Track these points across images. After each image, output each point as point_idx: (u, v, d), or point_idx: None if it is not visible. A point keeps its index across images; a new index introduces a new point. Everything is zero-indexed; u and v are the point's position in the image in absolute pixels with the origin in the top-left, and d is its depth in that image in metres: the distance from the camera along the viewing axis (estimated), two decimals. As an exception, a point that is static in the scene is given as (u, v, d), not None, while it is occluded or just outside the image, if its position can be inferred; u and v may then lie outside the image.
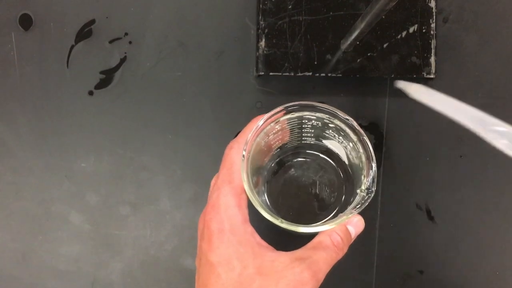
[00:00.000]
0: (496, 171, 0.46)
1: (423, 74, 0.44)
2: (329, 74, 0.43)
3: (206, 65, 0.45)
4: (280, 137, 0.36)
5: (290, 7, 0.43)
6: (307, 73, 0.43)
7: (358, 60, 0.44)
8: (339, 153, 0.38)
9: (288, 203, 0.40)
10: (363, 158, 0.32)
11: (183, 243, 0.45)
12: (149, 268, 0.45)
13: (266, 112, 0.33)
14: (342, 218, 0.31)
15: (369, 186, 0.31)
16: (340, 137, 0.35)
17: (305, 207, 0.40)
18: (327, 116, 0.33)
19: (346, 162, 0.37)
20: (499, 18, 0.46)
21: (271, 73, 0.43)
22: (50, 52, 0.45)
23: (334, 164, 0.40)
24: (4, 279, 0.44)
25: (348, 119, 0.32)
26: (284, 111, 0.33)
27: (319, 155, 0.40)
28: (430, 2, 0.44)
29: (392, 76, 0.44)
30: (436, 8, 0.44)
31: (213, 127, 0.45)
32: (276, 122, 0.34)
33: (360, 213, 0.32)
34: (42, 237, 0.45)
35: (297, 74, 0.43)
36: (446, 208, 0.45)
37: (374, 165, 0.31)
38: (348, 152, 0.36)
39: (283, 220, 0.31)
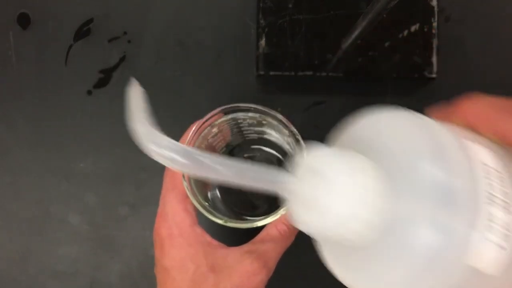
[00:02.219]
0: (498, 171, 0.46)
1: (425, 74, 0.44)
2: (330, 74, 0.43)
3: (206, 64, 0.45)
4: (221, 138, 0.37)
5: (290, 5, 0.43)
6: (307, 73, 0.43)
7: (359, 60, 0.43)
8: (282, 145, 0.39)
9: (239, 196, 0.41)
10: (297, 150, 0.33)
11: (182, 244, 0.45)
12: (148, 269, 0.45)
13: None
14: (283, 209, 0.31)
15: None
16: (277, 132, 0.36)
17: (255, 199, 0.41)
18: (258, 114, 0.34)
19: (291, 152, 0.38)
20: (501, 17, 0.46)
21: (271, 73, 0.43)
22: (48, 51, 0.45)
23: (279, 156, 0.41)
24: (2, 279, 0.44)
25: (276, 115, 0.32)
26: (216, 116, 0.33)
27: (262, 148, 0.41)
28: (432, 1, 0.44)
29: (394, 75, 0.44)
30: (438, 7, 0.44)
31: (213, 127, 0.45)
32: (212, 126, 0.34)
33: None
34: (41, 237, 0.44)
35: (298, 74, 0.43)
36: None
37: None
38: (289, 145, 0.37)
39: (227, 220, 0.31)
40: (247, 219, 0.32)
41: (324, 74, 0.43)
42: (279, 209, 0.31)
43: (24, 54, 0.44)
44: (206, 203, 0.32)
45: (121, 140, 0.45)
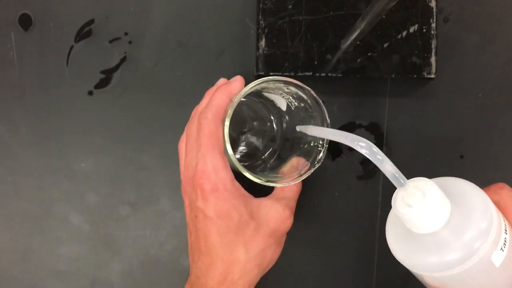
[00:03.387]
0: (496, 171, 0.46)
1: (424, 74, 0.44)
2: (329, 74, 0.43)
3: (206, 65, 0.45)
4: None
5: (290, 6, 0.43)
6: (307, 73, 0.43)
7: (359, 60, 0.43)
8: (275, 101, 0.41)
9: (240, 146, 0.44)
10: (317, 117, 0.37)
11: (183, 243, 0.45)
12: (148, 268, 0.45)
13: None
14: (308, 172, 0.36)
15: (323, 141, 0.37)
16: (289, 96, 0.39)
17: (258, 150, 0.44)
18: (284, 84, 0.36)
19: (284, 109, 0.41)
20: (499, 17, 0.46)
21: (271, 73, 0.43)
22: (50, 52, 0.45)
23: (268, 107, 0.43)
24: (3, 279, 0.44)
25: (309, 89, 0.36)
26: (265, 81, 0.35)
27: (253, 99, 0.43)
28: (431, 2, 0.44)
29: (393, 76, 0.44)
30: (436, 8, 0.44)
31: (213, 127, 0.45)
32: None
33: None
34: (42, 237, 0.45)
35: (297, 74, 0.43)
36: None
37: (328, 121, 0.36)
38: (290, 104, 0.40)
39: (268, 180, 0.35)
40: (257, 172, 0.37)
41: (323, 74, 0.43)
42: (306, 173, 0.36)
43: (26, 55, 0.45)
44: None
45: (122, 140, 0.45)
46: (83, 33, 0.45)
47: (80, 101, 0.45)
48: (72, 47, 0.45)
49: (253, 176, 0.35)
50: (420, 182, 0.28)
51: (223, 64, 0.45)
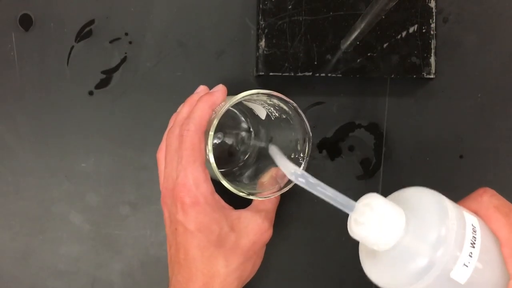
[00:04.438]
0: (496, 171, 0.46)
1: (423, 74, 0.44)
2: (329, 74, 0.43)
3: (206, 65, 0.45)
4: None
5: (290, 7, 0.43)
6: (307, 73, 0.43)
7: (358, 60, 0.44)
8: (254, 109, 0.42)
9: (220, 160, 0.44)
10: (298, 129, 0.37)
11: (183, 243, 0.45)
12: (149, 268, 0.45)
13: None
14: (283, 183, 0.37)
15: (303, 153, 0.37)
16: (270, 107, 0.39)
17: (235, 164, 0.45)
18: (267, 97, 0.36)
19: (263, 118, 0.42)
20: (498, 18, 0.46)
21: (271, 73, 0.43)
22: (50, 52, 0.45)
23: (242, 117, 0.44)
24: (4, 279, 0.44)
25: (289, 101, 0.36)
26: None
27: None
28: (430, 2, 0.44)
29: (392, 76, 0.44)
30: (436, 8, 0.44)
31: (213, 127, 0.45)
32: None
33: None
34: (42, 237, 0.45)
35: (297, 74, 0.43)
36: (446, 208, 0.45)
37: (309, 133, 0.36)
38: (271, 114, 0.40)
39: (250, 192, 0.36)
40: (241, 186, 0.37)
41: (323, 74, 0.44)
42: (286, 187, 0.36)
43: (26, 55, 0.45)
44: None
45: (122, 140, 0.45)
46: (84, 34, 0.45)
47: (80, 101, 0.45)
48: (72, 47, 0.45)
49: (236, 189, 0.35)
50: (367, 199, 0.27)
51: (223, 64, 0.45)
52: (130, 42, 0.45)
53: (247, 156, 0.44)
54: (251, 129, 0.44)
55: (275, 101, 0.36)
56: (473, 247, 0.26)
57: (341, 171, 0.45)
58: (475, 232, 0.27)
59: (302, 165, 0.37)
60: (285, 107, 0.37)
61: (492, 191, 0.30)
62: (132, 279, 0.45)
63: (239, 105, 0.42)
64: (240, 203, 0.38)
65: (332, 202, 0.28)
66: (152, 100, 0.45)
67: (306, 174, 0.28)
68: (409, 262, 0.26)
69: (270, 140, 0.42)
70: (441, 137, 0.46)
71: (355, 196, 0.45)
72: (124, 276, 0.45)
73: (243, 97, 0.35)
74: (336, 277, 0.46)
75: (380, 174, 0.45)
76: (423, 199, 0.28)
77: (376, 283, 0.28)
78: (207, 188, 0.35)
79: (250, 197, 0.35)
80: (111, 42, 0.45)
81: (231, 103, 0.35)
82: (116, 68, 0.45)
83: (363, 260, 0.29)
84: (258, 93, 0.35)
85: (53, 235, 0.45)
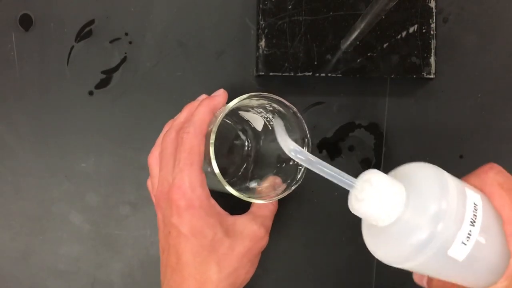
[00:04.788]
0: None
1: (423, 74, 0.44)
2: (329, 74, 0.44)
3: (206, 65, 0.45)
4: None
5: (290, 7, 0.43)
6: (307, 73, 0.43)
7: (358, 60, 0.44)
8: (251, 120, 0.42)
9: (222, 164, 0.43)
10: (298, 136, 0.37)
11: (183, 243, 0.45)
12: (149, 268, 0.45)
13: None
14: (279, 190, 0.37)
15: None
16: (269, 114, 0.39)
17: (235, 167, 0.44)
18: (268, 101, 0.36)
19: (259, 129, 0.42)
20: (498, 18, 0.46)
21: (271, 73, 0.43)
22: (50, 52, 0.45)
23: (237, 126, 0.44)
24: (4, 279, 0.45)
25: (290, 107, 0.36)
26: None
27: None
28: (430, 2, 0.44)
29: (392, 76, 0.44)
30: (436, 8, 0.44)
31: (213, 127, 0.45)
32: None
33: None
34: (42, 237, 0.45)
35: (297, 74, 0.43)
36: (446, 208, 0.45)
37: (308, 140, 0.36)
38: (268, 123, 0.40)
39: (250, 196, 0.35)
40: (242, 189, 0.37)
41: (323, 74, 0.44)
42: (284, 192, 0.36)
43: (26, 55, 0.45)
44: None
45: (122, 140, 0.45)
46: (84, 34, 0.45)
47: (80, 101, 0.45)
48: (72, 47, 0.45)
49: (236, 191, 0.34)
50: (366, 175, 0.27)
51: (223, 64, 0.45)
52: (130, 42, 0.45)
53: (243, 167, 0.44)
54: (248, 140, 0.44)
55: (275, 106, 0.36)
56: (473, 225, 0.26)
57: (341, 171, 0.45)
58: (476, 210, 0.27)
59: (300, 173, 0.36)
60: (284, 112, 0.36)
61: (498, 168, 0.29)
62: (132, 279, 0.45)
63: (234, 116, 0.42)
64: (237, 212, 0.38)
65: (332, 179, 0.28)
66: (152, 100, 0.45)
67: (305, 152, 0.28)
68: (409, 236, 0.26)
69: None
70: (441, 137, 0.46)
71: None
72: (124, 276, 0.45)
73: (242, 99, 0.35)
74: (336, 277, 0.46)
75: (380, 174, 0.45)
76: (424, 174, 0.27)
77: (378, 258, 0.28)
78: (203, 191, 0.34)
79: (249, 199, 0.35)
80: (111, 42, 0.45)
81: (231, 106, 0.35)
82: (116, 68, 0.45)
83: (365, 235, 0.29)
84: (257, 97, 0.35)
85: (53, 235, 0.45)
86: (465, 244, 0.26)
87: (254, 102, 0.36)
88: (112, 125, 0.45)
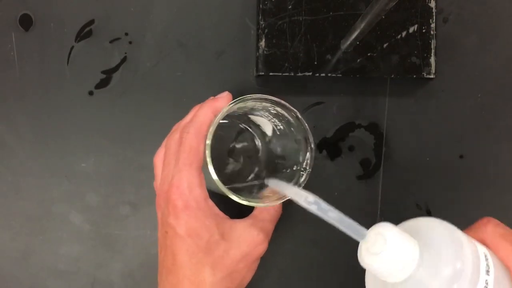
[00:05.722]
0: (496, 171, 0.46)
1: (423, 74, 0.44)
2: (329, 74, 0.44)
3: (206, 65, 0.45)
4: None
5: (290, 7, 0.43)
6: (307, 73, 0.43)
7: (358, 60, 0.44)
8: (261, 125, 0.41)
9: (222, 168, 0.44)
10: (301, 141, 0.37)
11: (183, 243, 0.45)
12: (149, 268, 0.45)
13: None
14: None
15: (305, 165, 0.37)
16: (275, 119, 0.39)
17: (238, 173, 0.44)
18: (271, 104, 0.36)
19: (269, 134, 0.42)
20: (499, 18, 0.47)
21: (271, 73, 0.43)
22: (50, 52, 0.45)
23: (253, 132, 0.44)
24: (4, 278, 0.45)
25: (294, 111, 0.36)
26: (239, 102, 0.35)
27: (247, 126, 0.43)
28: (430, 2, 0.44)
29: (392, 76, 0.44)
30: (436, 8, 0.44)
31: (213, 127, 0.45)
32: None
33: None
34: (42, 237, 0.45)
35: (297, 74, 0.43)
36: (446, 208, 0.45)
37: (312, 145, 0.36)
38: (276, 127, 0.40)
39: (249, 199, 0.35)
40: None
41: (323, 74, 0.44)
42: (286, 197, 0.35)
43: (26, 55, 0.45)
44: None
45: (122, 140, 0.45)
46: (84, 33, 0.45)
47: (80, 101, 0.45)
48: (72, 47, 0.45)
49: (232, 193, 0.34)
50: (379, 228, 0.26)
51: (223, 64, 0.45)
52: (130, 42, 0.45)
53: (253, 173, 0.43)
54: (258, 146, 0.44)
55: (279, 109, 0.36)
56: (488, 274, 0.26)
57: (341, 171, 0.45)
58: (487, 259, 0.27)
59: (303, 177, 0.36)
60: (288, 116, 0.36)
61: (495, 221, 0.30)
62: (132, 279, 0.45)
63: (248, 121, 0.42)
64: (238, 216, 0.37)
65: (342, 228, 0.28)
66: (152, 100, 0.45)
67: (318, 200, 0.29)
68: None
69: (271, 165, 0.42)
70: (441, 137, 0.46)
71: (356, 197, 0.45)
72: (124, 276, 0.45)
73: (239, 101, 0.35)
74: (336, 277, 0.46)
75: (380, 174, 0.45)
76: (436, 231, 0.27)
77: None
78: (201, 192, 0.34)
79: (246, 202, 0.35)
80: (111, 42, 0.45)
81: (228, 108, 0.35)
82: (116, 68, 0.45)
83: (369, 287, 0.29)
84: (255, 99, 0.35)
85: (53, 235, 0.45)
86: None
87: (258, 105, 0.36)
88: (112, 125, 0.45)
